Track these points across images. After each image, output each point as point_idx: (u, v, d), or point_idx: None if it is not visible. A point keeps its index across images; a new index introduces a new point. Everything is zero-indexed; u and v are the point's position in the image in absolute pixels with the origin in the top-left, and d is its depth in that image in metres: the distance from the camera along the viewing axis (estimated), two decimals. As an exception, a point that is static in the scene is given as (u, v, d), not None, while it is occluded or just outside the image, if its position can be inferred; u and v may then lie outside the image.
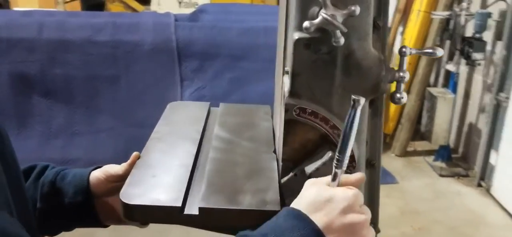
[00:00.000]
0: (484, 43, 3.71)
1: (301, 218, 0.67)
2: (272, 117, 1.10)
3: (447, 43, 4.23)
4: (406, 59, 0.82)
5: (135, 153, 0.90)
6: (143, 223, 0.78)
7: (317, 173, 0.77)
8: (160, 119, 1.03)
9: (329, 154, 0.77)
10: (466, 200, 3.57)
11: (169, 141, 0.94)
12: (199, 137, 0.96)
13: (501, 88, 3.61)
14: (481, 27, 3.69)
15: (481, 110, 3.96)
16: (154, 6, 6.22)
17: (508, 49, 3.52)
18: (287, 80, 0.80)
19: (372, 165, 0.88)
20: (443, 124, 4.08)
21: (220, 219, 0.72)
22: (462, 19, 3.87)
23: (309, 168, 0.79)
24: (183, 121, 1.03)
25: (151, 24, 3.85)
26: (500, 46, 3.64)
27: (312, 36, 0.75)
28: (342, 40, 0.73)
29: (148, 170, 0.83)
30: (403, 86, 0.82)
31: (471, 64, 3.80)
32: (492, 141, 3.70)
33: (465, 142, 4.16)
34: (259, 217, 0.70)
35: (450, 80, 4.14)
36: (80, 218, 0.93)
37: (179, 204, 0.73)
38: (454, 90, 4.07)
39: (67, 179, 0.94)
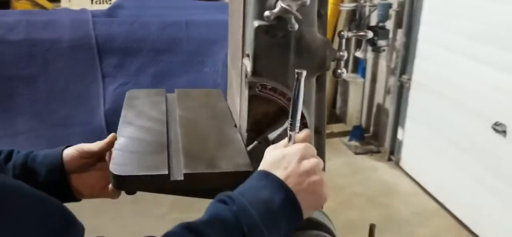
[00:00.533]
0: (387, 31, 4.10)
1: (268, 176, 0.81)
2: (225, 99, 1.23)
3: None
4: (344, 41, 0.99)
5: (112, 134, 0.98)
6: (130, 193, 0.87)
7: (278, 139, 0.92)
8: (124, 106, 1.11)
9: (288, 122, 0.92)
10: (380, 173, 3.95)
11: (138, 123, 1.03)
12: (165, 118, 1.06)
13: (403, 71, 4.01)
14: (384, 17, 4.06)
15: (387, 92, 4.37)
16: (64, 3, 5.99)
17: (408, 36, 3.92)
18: (248, 62, 0.94)
19: (319, 132, 1.05)
20: (356, 106, 4.44)
21: (203, 182, 0.84)
22: (366, 10, 4.24)
23: (272, 135, 0.93)
24: (146, 105, 1.12)
25: (68, 21, 3.77)
26: (400, 33, 4.04)
27: (270, 23, 0.89)
28: (296, 26, 0.87)
29: (128, 147, 0.92)
30: (342, 63, 0.99)
31: (377, 50, 4.18)
32: (398, 119, 4.10)
33: (375, 121, 4.56)
34: (236, 178, 0.82)
35: (359, 66, 4.50)
36: (55, 196, 0.99)
37: (166, 171, 0.83)
38: (363, 75, 4.44)
39: (38, 159, 0.99)
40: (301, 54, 0.93)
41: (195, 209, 0.85)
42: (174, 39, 3.88)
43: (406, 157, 4.01)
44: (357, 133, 4.43)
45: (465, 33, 3.24)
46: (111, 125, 3.64)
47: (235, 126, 1.05)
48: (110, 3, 5.18)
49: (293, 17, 0.86)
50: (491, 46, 2.98)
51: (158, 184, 0.83)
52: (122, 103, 1.12)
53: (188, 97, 1.20)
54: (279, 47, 0.92)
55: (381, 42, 4.08)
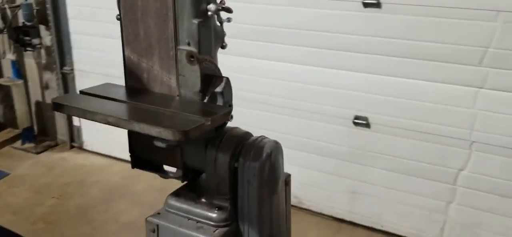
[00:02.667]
0: (37, 29, 4.25)
1: None
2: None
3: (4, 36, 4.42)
4: None
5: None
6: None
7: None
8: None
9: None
10: (73, 160, 4.22)
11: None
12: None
13: (63, 63, 4.32)
14: (30, 16, 4.19)
15: (45, 87, 4.55)
16: None
17: (58, 31, 4.23)
18: (189, 47, 1.38)
19: None
20: (23, 108, 4.41)
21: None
22: (8, 12, 4.22)
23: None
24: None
25: None
26: (46, 31, 4.28)
27: (204, 19, 1.37)
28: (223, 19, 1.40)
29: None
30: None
31: (32, 49, 4.27)
32: (70, 108, 4.41)
33: (41, 118, 4.65)
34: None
35: (13, 68, 4.44)
36: None
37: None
38: (20, 76, 4.43)
39: None
40: (216, 35, 1.45)
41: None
42: None
43: (88, 138, 4.42)
44: (28, 134, 4.45)
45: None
46: None
47: (178, 95, 1.44)
48: None
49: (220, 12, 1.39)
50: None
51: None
52: None
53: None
54: (207, 34, 1.41)
55: (34, 41, 4.21)
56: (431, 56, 2.81)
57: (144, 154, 1.56)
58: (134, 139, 1.55)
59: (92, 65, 4.16)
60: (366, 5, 2.90)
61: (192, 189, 1.57)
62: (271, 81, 3.36)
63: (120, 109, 1.40)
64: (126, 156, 1.55)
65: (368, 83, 3.02)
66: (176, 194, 1.54)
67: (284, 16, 3.18)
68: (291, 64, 3.25)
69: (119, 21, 1.49)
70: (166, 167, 1.57)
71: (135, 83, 1.52)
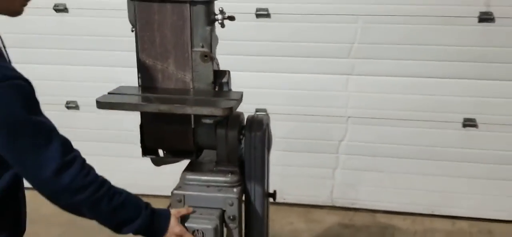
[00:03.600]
0: None
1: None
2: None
3: None
4: None
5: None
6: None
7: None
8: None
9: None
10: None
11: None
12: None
13: None
14: None
15: None
16: None
17: None
18: (202, 49, 1.77)
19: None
20: None
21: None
22: None
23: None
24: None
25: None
26: None
27: (212, 27, 1.78)
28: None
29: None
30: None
31: None
32: None
33: None
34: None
35: None
36: None
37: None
38: None
39: None
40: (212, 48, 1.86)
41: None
42: None
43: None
44: None
45: None
46: None
47: (192, 88, 1.79)
48: None
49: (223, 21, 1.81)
50: None
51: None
52: None
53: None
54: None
55: None
56: (311, 54, 3.55)
57: (157, 144, 1.88)
58: (147, 132, 1.85)
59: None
60: (258, 16, 3.51)
61: (196, 165, 1.94)
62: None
63: (162, 99, 1.71)
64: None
65: (262, 80, 3.63)
66: (190, 170, 1.89)
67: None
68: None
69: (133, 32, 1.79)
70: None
71: (149, 83, 1.83)
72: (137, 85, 1.85)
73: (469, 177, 3.61)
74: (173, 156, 1.91)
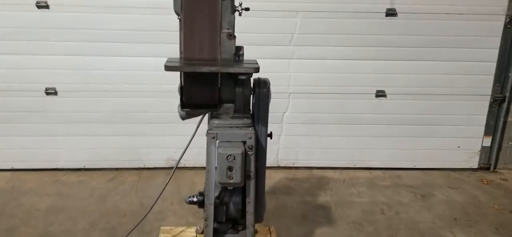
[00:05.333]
0: None
1: None
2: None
3: None
4: None
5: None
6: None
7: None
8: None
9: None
10: None
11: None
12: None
13: None
14: None
15: None
16: None
17: None
18: (229, 30, 2.53)
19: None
20: None
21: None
22: None
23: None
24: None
25: None
26: None
27: (234, 14, 2.55)
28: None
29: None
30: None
31: None
32: None
33: None
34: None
35: None
36: None
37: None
38: None
39: None
40: (233, 24, 2.64)
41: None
42: None
43: None
44: None
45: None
46: None
47: (220, 58, 2.52)
48: None
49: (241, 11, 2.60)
50: None
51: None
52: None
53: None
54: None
55: None
56: (258, 42, 4.41)
57: (194, 99, 2.59)
58: (186, 91, 2.56)
59: None
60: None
61: (217, 117, 2.68)
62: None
63: (209, 64, 2.42)
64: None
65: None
66: (216, 118, 2.64)
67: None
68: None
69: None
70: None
71: (190, 55, 2.54)
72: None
73: (381, 136, 4.75)
74: (201, 108, 2.63)
